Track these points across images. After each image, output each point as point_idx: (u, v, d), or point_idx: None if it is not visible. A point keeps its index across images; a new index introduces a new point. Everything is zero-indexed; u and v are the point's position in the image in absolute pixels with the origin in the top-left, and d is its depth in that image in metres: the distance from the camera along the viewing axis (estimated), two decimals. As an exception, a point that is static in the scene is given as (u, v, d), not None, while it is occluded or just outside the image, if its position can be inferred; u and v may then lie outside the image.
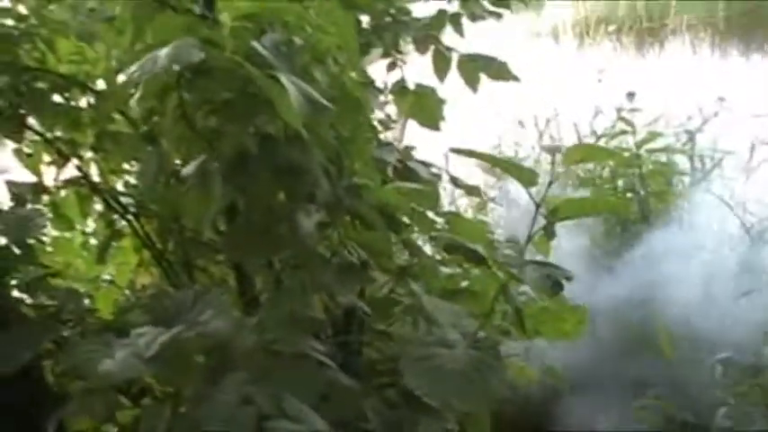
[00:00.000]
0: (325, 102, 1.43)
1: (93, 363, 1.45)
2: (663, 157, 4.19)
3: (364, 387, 1.90)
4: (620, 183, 4.05)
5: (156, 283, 2.50)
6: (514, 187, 4.37)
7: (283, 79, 1.36)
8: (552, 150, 1.72)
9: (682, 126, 4.20)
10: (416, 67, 2.52)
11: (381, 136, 2.43)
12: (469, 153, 1.71)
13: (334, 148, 1.76)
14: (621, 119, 3.94)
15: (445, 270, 2.31)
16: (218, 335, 1.51)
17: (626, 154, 3.94)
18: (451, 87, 2.42)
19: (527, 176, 1.70)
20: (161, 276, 2.42)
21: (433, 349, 1.62)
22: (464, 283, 2.22)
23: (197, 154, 1.79)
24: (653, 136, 3.94)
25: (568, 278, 1.73)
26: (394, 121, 2.49)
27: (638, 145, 3.94)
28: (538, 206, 1.74)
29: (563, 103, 5.11)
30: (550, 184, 1.75)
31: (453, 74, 2.44)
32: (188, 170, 1.75)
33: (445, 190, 3.55)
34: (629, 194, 3.98)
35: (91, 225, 2.76)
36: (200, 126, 1.73)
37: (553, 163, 1.73)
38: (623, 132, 3.93)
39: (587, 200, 1.74)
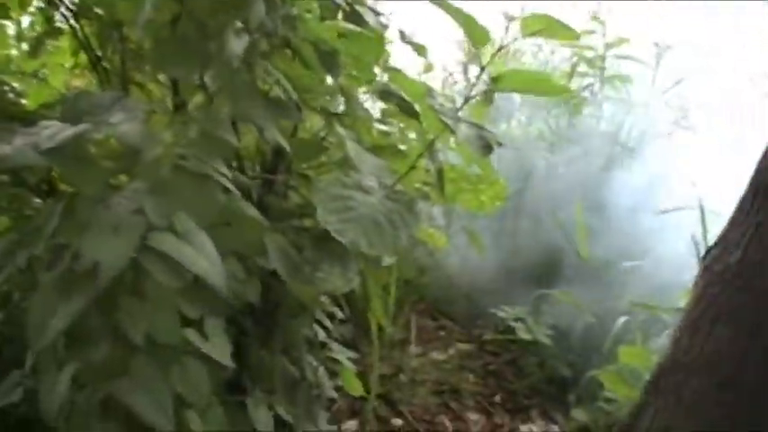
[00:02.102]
0: None
1: (-9, 145, 1.40)
2: (631, 68, 4.13)
3: (274, 225, 1.88)
4: (581, 81, 3.99)
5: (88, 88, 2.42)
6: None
7: None
8: (509, 17, 1.65)
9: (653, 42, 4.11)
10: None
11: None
12: (432, -2, 1.63)
13: (278, -27, 1.67)
14: (594, 18, 3.85)
15: (382, 128, 2.27)
16: (124, 139, 1.45)
17: (590, 53, 3.89)
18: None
19: (479, 34, 1.63)
20: (96, 83, 2.34)
21: (349, 191, 1.59)
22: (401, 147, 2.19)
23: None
24: (621, 41, 3.86)
25: (500, 143, 1.69)
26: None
27: (606, 47, 3.87)
28: (482, 69, 1.68)
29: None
30: (500, 49, 1.69)
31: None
32: (122, -33, 1.65)
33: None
34: (584, 94, 3.94)
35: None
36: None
37: (507, 29, 1.66)
38: (591, 32, 3.84)
39: (532, 74, 1.68)
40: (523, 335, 3.29)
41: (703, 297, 1.72)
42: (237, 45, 1.58)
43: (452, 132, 1.59)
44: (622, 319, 2.83)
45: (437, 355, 3.33)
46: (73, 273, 1.40)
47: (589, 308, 3.10)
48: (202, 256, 1.40)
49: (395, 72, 2.03)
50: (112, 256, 1.35)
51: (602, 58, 3.90)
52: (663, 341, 2.77)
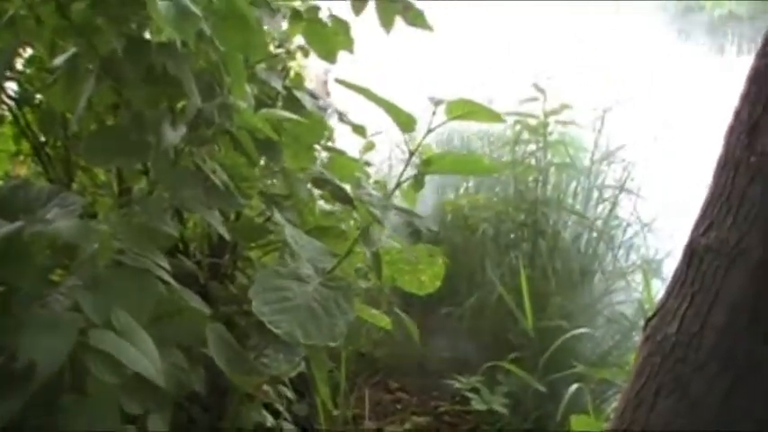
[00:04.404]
0: (195, 9, 1.36)
1: None
2: (574, 133, 4.20)
3: (217, 312, 1.87)
4: (525, 148, 4.05)
5: (30, 177, 2.41)
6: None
7: (151, -21, 1.29)
8: (435, 102, 1.68)
9: (593, 106, 4.18)
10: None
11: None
12: (350, 86, 1.66)
13: (216, 64, 1.70)
14: (534, 86, 3.92)
15: (326, 207, 2.29)
16: (60, 235, 1.45)
17: (533, 121, 3.94)
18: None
19: (405, 120, 1.66)
20: (41, 170, 2.34)
21: (284, 281, 1.59)
22: (344, 225, 2.21)
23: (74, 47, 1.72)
24: (562, 107, 3.92)
25: (430, 229, 1.71)
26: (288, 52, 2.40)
27: (547, 114, 3.93)
28: (411, 154, 1.71)
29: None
30: (428, 132, 1.72)
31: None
32: (59, 61, 1.67)
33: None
34: (530, 161, 4.00)
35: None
36: (78, 20, 1.65)
37: (434, 113, 1.70)
38: (534, 99, 3.91)
39: (461, 156, 1.73)
40: (478, 405, 3.28)
41: (645, 368, 1.72)
42: (174, 135, 1.59)
43: (380, 224, 1.62)
44: (574, 387, 2.84)
45: (393, 429, 3.30)
46: (9, 372, 1.39)
47: (540, 376, 3.11)
48: (142, 353, 1.39)
49: (335, 153, 2.05)
50: (49, 354, 1.34)
51: (545, 125, 3.96)
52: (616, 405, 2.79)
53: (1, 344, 1.41)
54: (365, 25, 2.33)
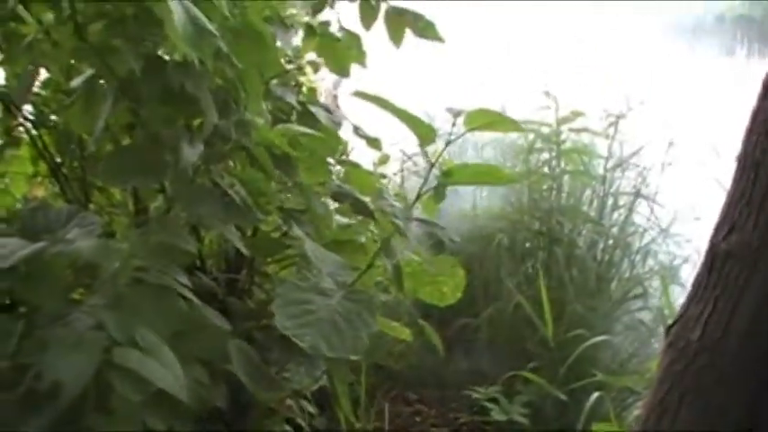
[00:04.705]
0: (211, 28, 1.37)
1: (-56, 267, 1.40)
2: (587, 139, 4.18)
3: (236, 327, 1.87)
4: (539, 157, 4.04)
5: (47, 198, 2.42)
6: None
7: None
8: (454, 113, 1.69)
9: (606, 112, 4.15)
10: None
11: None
12: (369, 97, 1.67)
13: (232, 81, 1.71)
14: (546, 93, 3.91)
15: (342, 220, 2.29)
16: (81, 255, 1.46)
17: (546, 129, 3.94)
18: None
19: (424, 132, 1.67)
20: (58, 191, 2.35)
21: (307, 295, 1.60)
22: (361, 238, 2.21)
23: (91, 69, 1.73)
24: (575, 115, 3.91)
25: (453, 240, 1.72)
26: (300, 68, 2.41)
27: (560, 122, 3.92)
28: (432, 165, 1.72)
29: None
30: (448, 144, 1.72)
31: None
32: (76, 82, 1.68)
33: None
34: (544, 170, 3.99)
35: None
36: (95, 41, 1.66)
37: (453, 124, 1.70)
38: (546, 107, 3.91)
39: (481, 167, 1.73)
40: (498, 416, 3.27)
41: (668, 375, 1.71)
42: (191, 153, 1.60)
43: (403, 234, 1.62)
44: (595, 395, 2.82)
45: (413, 441, 3.30)
46: (35, 392, 1.39)
47: (560, 385, 3.10)
48: (166, 370, 1.40)
49: (351, 167, 2.06)
50: (74, 373, 1.35)
51: (558, 133, 3.95)
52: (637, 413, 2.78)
53: (25, 364, 1.42)
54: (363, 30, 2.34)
